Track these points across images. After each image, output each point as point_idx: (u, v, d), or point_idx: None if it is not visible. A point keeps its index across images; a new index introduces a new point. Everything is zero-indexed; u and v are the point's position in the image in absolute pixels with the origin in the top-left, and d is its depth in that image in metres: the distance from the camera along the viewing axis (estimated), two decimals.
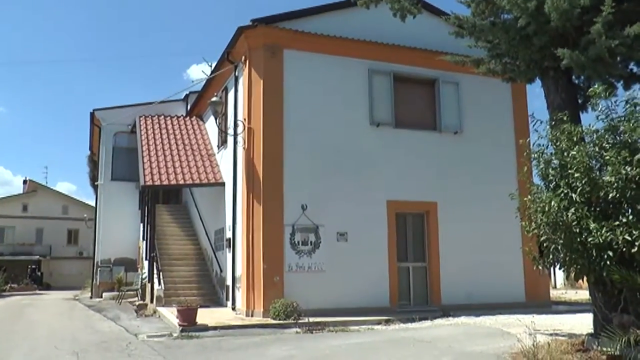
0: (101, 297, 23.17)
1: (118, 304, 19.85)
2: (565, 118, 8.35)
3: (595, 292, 8.28)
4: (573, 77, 9.85)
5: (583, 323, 10.97)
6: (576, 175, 7.69)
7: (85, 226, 46.14)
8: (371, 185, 15.28)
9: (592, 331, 8.49)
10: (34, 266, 48.73)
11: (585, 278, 8.12)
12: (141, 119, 21.53)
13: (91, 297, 24.72)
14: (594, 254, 7.50)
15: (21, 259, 49.34)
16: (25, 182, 57.04)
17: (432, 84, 16.61)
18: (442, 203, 15.92)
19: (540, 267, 8.73)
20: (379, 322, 13.00)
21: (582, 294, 21.83)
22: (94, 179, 29.23)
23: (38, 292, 38.78)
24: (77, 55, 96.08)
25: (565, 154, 7.88)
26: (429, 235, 15.79)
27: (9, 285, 38.59)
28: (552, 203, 7.82)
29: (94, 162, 29.94)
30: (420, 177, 15.85)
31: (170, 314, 13.85)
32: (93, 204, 28.58)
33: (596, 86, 7.97)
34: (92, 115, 25.14)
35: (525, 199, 8.51)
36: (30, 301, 25.24)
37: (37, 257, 51.20)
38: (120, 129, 24.72)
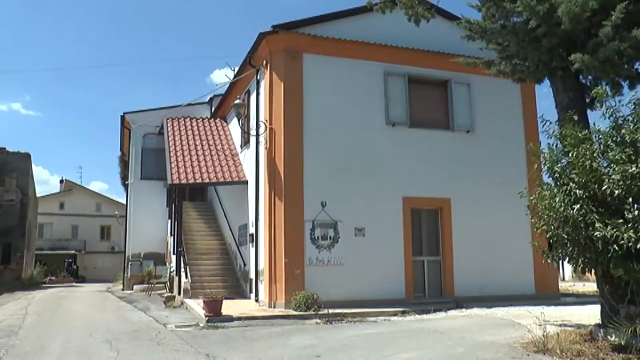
0: (132, 289, 23.47)
1: (148, 296, 20.09)
2: (575, 117, 8.28)
3: (602, 285, 8.23)
4: (580, 77, 9.77)
5: (591, 314, 10.91)
6: (575, 171, 7.66)
7: (117, 223, 46.88)
8: (387, 183, 15.32)
9: (600, 322, 8.44)
10: (70, 260, 49.54)
11: (592, 271, 8.08)
12: (168, 121, 21.74)
13: (123, 289, 25.08)
14: (600, 248, 7.46)
15: (59, 253, 50.21)
16: (61, 181, 58.02)
17: (444, 85, 16.57)
18: (455, 199, 15.90)
19: (549, 261, 8.69)
20: (395, 314, 13.08)
21: (590, 286, 21.61)
22: (124, 178, 29.59)
23: (74, 284, 39.42)
24: (107, 59, 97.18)
25: (571, 153, 7.83)
26: (443, 230, 15.79)
27: (49, 277, 39.35)
28: (558, 199, 7.79)
29: (124, 162, 30.29)
30: (434, 175, 15.85)
31: (196, 305, 13.99)
32: (124, 201, 29.10)
33: (601, 87, 7.91)
34: (122, 118, 25.48)
35: (533, 196, 8.47)
36: (66, 293, 25.67)
37: (73, 251, 52.05)
38: (149, 130, 24.98)
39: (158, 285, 21.22)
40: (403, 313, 13.13)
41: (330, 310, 12.58)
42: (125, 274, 25.20)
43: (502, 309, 13.25)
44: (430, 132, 16.10)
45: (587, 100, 9.80)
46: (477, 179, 16.20)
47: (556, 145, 8.39)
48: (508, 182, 15.53)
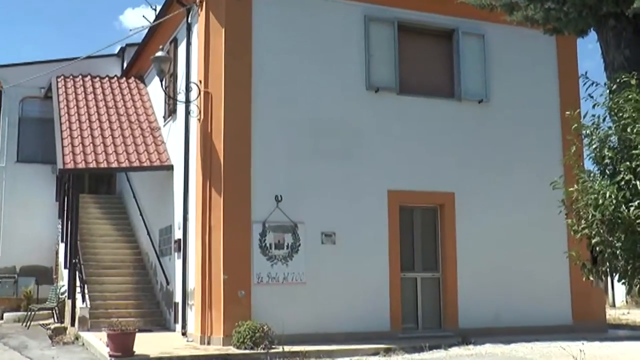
0: (1, 318, 22.89)
1: (25, 328, 19.60)
2: (633, 81, 8.32)
3: None
4: None
5: None
6: (637, 152, 7.69)
7: None
8: (367, 171, 15.34)
9: None
10: None
11: None
12: (59, 80, 21.32)
13: None
14: None
15: None
16: None
17: (449, 37, 16.66)
18: (460, 194, 16.02)
19: (592, 278, 8.73)
20: (376, 352, 13.04)
21: None
22: None
23: None
24: None
25: (630, 129, 7.86)
26: (444, 236, 15.90)
27: None
28: (609, 194, 7.82)
29: None
30: (432, 160, 15.91)
31: (98, 341, 13.78)
32: None
33: None
34: None
35: (571, 188, 8.51)
36: None
37: None
38: (30, 93, 24.31)
39: (42, 312, 20.77)
40: (387, 352, 13.10)
41: (287, 348, 12.48)
42: None
43: (525, 346, 13.28)
44: (428, 102, 16.13)
45: None
46: (492, 166, 16.34)
47: (604, 120, 8.44)
48: (535, 172, 15.70)
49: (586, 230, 8.33)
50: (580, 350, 10.68)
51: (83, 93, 20.64)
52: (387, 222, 15.33)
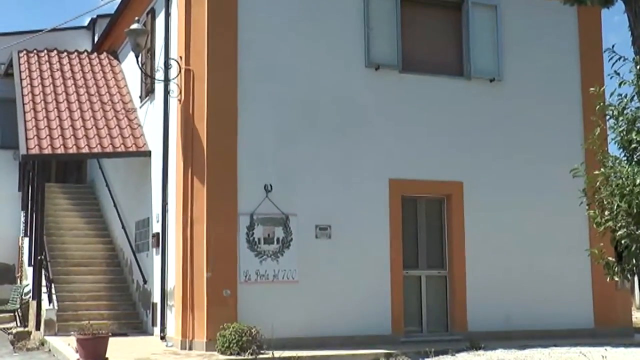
0: None
1: None
2: None
3: None
4: None
5: None
6: None
7: None
8: (367, 157, 15.34)
9: None
10: None
11: None
12: (22, 55, 21.20)
13: None
14: None
15: None
16: None
17: (457, 8, 16.64)
18: (470, 183, 16.02)
19: (617, 278, 8.73)
20: (376, 359, 13.12)
21: None
22: None
23: None
24: None
25: None
26: (451, 230, 15.92)
27: None
28: (638, 181, 7.80)
29: None
30: (438, 146, 15.90)
31: (66, 347, 13.75)
32: None
33: None
34: None
35: (596, 172, 8.48)
36: None
37: None
38: None
39: (2, 315, 20.76)
40: (388, 357, 13.13)
41: (277, 354, 12.51)
42: None
43: (541, 352, 13.27)
44: (434, 81, 16.12)
45: None
46: (504, 152, 16.34)
47: (632, 99, 8.41)
48: (553, 156, 15.78)
49: (610, 223, 8.32)
50: (603, 357, 10.71)
51: (49, 70, 20.49)
52: (389, 215, 15.32)
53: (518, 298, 15.73)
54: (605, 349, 12.72)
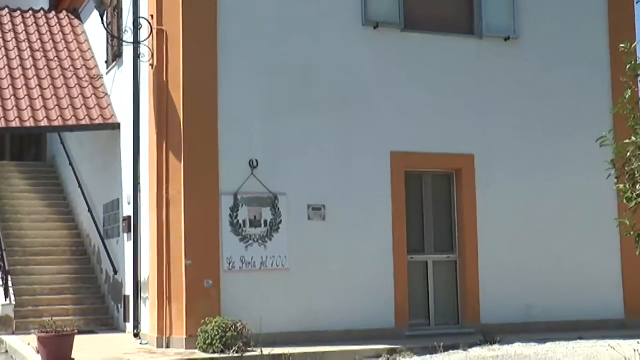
0: None
1: None
2: None
3: None
4: None
5: None
6: None
7: None
8: (365, 128, 15.36)
9: None
10: None
11: None
12: None
13: None
14: None
15: None
16: None
17: None
18: (482, 156, 16.07)
19: None
20: (378, 355, 13.15)
21: None
22: None
23: None
24: None
25: None
26: (461, 210, 15.99)
27: None
28: None
29: None
30: (446, 114, 15.93)
31: (26, 347, 13.79)
32: None
33: None
34: None
35: (626, 140, 8.41)
36: None
37: None
38: None
39: None
40: (391, 354, 13.18)
41: (266, 351, 12.62)
42: None
43: (564, 346, 13.29)
44: (441, 40, 16.13)
45: None
46: (522, 121, 16.38)
47: None
48: (577, 123, 15.89)
49: None
50: (635, 351, 10.66)
51: (1, 31, 20.32)
52: (390, 192, 15.38)
53: (537, 286, 15.79)
54: (638, 342, 12.68)
